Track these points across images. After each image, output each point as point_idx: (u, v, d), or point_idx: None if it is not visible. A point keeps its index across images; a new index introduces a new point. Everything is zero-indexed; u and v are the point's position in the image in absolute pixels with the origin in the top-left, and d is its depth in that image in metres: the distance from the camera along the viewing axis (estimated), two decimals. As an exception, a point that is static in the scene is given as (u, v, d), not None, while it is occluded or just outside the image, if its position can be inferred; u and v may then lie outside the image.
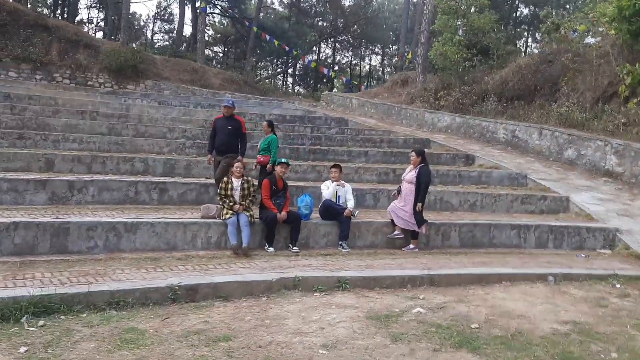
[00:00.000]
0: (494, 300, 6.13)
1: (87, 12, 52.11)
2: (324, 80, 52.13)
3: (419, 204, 8.73)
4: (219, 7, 48.76)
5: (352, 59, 58.62)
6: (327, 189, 8.86)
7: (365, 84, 47.92)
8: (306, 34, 54.44)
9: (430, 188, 11.63)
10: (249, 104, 23.97)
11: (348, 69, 57.25)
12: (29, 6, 27.31)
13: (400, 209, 8.86)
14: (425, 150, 16.64)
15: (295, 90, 53.02)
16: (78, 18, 48.82)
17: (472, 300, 6.09)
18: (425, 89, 23.55)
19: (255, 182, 8.63)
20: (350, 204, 8.71)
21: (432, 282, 6.74)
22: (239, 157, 9.20)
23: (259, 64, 55.72)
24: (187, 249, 7.65)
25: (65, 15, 42.99)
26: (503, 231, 9.56)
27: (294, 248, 8.11)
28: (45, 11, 46.43)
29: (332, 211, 8.61)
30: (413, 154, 9.24)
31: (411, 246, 8.82)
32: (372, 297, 6.02)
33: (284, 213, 8.16)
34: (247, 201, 8.27)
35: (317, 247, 8.51)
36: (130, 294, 5.30)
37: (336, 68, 58.04)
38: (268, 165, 9.77)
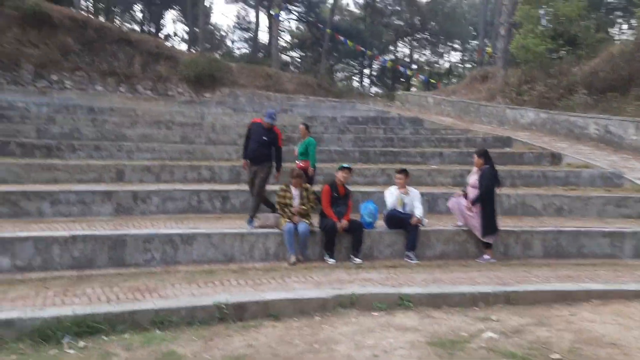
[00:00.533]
0: (581, 324, 5.33)
1: (173, 26, 53.64)
2: (402, 80, 51.06)
3: (471, 205, 8.09)
4: (295, 13, 49.16)
5: (431, 56, 57.06)
6: (391, 196, 8.29)
7: (444, 81, 46.42)
8: (382, 33, 53.69)
9: (511, 191, 10.84)
10: (322, 107, 23.74)
11: (427, 67, 55.84)
12: (115, 23, 28.59)
13: (466, 209, 8.21)
14: (507, 149, 15.87)
15: (373, 91, 52.40)
16: (164, 32, 51.17)
17: (554, 323, 5.32)
18: (507, 84, 22.23)
19: (316, 190, 8.22)
20: (418, 211, 8.08)
21: (508, 299, 6.01)
22: (276, 174, 8.90)
23: (335, 66, 55.58)
24: (244, 260, 7.38)
25: (153, 30, 45.01)
26: (594, 239, 8.55)
27: (356, 259, 7.62)
28: (135, 27, 48.94)
29: (396, 220, 8.03)
30: (475, 155, 8.55)
31: (486, 257, 8.06)
32: (437, 318, 5.41)
33: (344, 221, 7.70)
34: (306, 207, 7.90)
35: (381, 258, 7.97)
36: (175, 313, 5.04)
37: (414, 67, 56.92)
38: (309, 170, 9.61)
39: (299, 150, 9.99)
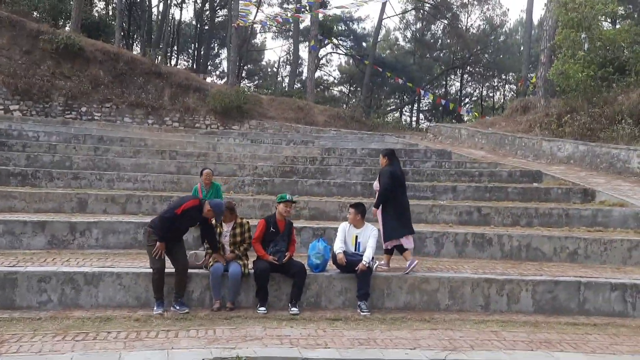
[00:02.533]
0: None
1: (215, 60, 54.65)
2: (454, 113, 49.28)
3: (373, 208, 7.58)
4: (342, 48, 48.88)
5: (482, 89, 55.15)
6: (341, 234, 6.98)
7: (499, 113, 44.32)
8: (431, 67, 52.45)
9: (515, 231, 9.30)
10: (348, 140, 22.63)
11: (479, 100, 53.93)
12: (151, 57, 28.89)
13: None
14: (535, 184, 14.15)
15: (422, 125, 50.86)
16: (213, 69, 52.14)
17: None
18: (547, 115, 20.39)
19: (252, 225, 7.04)
20: (367, 253, 6.71)
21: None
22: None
23: (386, 100, 54.50)
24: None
25: (195, 66, 45.74)
26: (600, 292, 6.90)
27: (292, 309, 6.35)
28: (184, 65, 50.07)
29: (346, 262, 6.72)
30: (380, 155, 8.03)
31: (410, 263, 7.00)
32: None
33: (272, 258, 6.51)
34: (242, 248, 6.75)
35: (330, 308, 6.67)
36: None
37: (467, 100, 55.03)
38: None
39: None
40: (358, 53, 47.68)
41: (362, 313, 6.41)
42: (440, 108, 45.17)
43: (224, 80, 41.68)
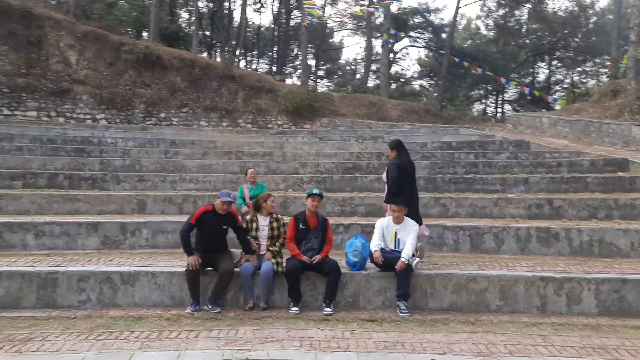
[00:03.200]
0: None
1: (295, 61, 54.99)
2: (543, 102, 46.49)
3: (385, 205, 7.37)
4: (419, 40, 47.76)
5: (573, 75, 51.71)
6: (379, 230, 6.59)
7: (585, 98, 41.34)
8: (517, 55, 49.87)
9: (588, 225, 8.45)
10: (420, 133, 21.91)
11: (570, 87, 50.62)
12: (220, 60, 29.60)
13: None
14: (620, 173, 12.91)
15: (507, 115, 48.57)
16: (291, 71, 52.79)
17: None
18: (638, 98, 18.66)
19: (287, 221, 6.82)
20: (406, 251, 6.28)
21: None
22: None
23: (460, 92, 52.57)
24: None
25: (275, 68, 46.49)
26: (677, 292, 6.05)
27: (326, 309, 6.07)
28: (265, 68, 51.10)
29: (384, 260, 6.33)
30: (388, 148, 7.79)
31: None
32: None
33: (317, 257, 6.26)
34: (278, 244, 6.56)
35: (369, 308, 6.32)
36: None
37: (557, 88, 51.86)
38: None
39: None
40: (437, 45, 46.37)
41: (400, 314, 6.01)
42: (528, 97, 42.91)
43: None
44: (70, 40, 24.93)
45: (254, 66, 51.12)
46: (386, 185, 7.42)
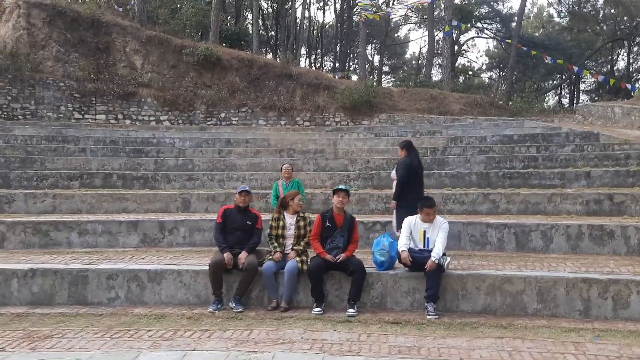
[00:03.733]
0: None
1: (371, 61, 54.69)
2: (621, 90, 43.57)
3: (393, 202, 7.38)
4: (487, 31, 46.18)
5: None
6: (407, 229, 6.28)
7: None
8: (593, 42, 47.09)
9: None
10: (482, 127, 21.04)
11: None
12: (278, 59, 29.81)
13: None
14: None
15: (581, 105, 46.02)
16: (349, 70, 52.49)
17: None
18: None
19: (313, 219, 6.63)
20: (437, 249, 5.95)
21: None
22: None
23: (528, 82, 50.26)
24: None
25: (338, 65, 46.43)
26: None
27: (349, 310, 5.85)
28: (328, 67, 51.17)
29: (413, 260, 6.02)
30: (399, 148, 7.96)
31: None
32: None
33: (341, 255, 6.08)
34: (302, 243, 6.42)
35: (397, 310, 6.04)
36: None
37: (639, 76, 48.54)
38: None
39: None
40: (505, 35, 44.61)
41: (427, 316, 5.71)
42: (607, 87, 40.36)
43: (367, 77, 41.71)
44: (135, 45, 25.89)
45: (317, 65, 51.39)
46: (394, 183, 7.44)
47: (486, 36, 47.07)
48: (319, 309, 5.91)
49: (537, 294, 5.82)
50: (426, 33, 39.62)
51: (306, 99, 26.39)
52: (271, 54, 42.02)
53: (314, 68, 48.28)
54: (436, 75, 45.91)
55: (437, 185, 11.81)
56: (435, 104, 26.63)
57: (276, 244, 6.41)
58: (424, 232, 6.20)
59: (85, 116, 24.47)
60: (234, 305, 6.05)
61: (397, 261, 6.25)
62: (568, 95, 51.19)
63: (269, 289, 6.17)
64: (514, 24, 44.38)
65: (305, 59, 53.17)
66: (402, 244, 6.11)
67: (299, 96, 26.66)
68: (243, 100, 26.02)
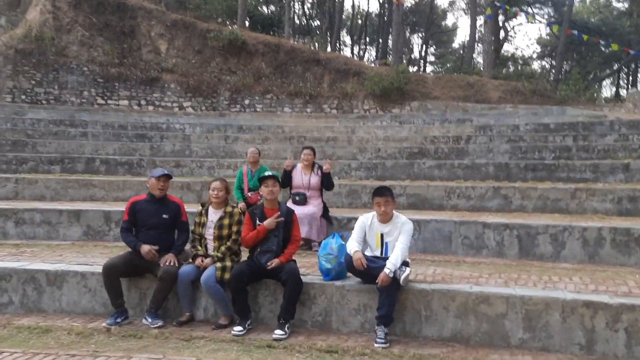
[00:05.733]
0: None
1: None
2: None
3: None
4: (538, 16, 43.33)
5: None
6: (360, 230, 4.90)
7: None
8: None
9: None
10: (518, 115, 19.15)
11: None
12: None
13: None
14: None
15: (632, 91, 42.62)
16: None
17: None
18: None
19: (243, 217, 5.33)
20: (394, 258, 4.56)
21: None
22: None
23: (599, 72, 46.88)
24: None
25: (381, 53, 44.70)
26: None
27: (277, 331, 4.56)
28: (371, 54, 49.49)
29: (364, 270, 4.66)
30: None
31: None
32: None
33: (276, 261, 4.81)
34: (223, 248, 5.12)
35: (344, 332, 4.73)
36: None
37: None
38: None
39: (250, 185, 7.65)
40: (559, 21, 41.73)
41: (375, 344, 4.37)
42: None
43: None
44: (160, 29, 25.22)
45: (361, 55, 49.84)
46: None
47: (536, 22, 44.16)
48: (240, 327, 4.64)
49: (524, 320, 4.38)
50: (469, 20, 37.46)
51: (334, 85, 25.05)
52: (304, 39, 40.78)
53: (362, 58, 46.88)
54: (470, 61, 43.60)
55: (448, 177, 10.34)
56: (472, 92, 24.77)
57: (199, 247, 5.18)
58: (382, 235, 4.82)
59: (108, 102, 23.95)
60: (150, 320, 4.87)
61: (348, 269, 4.91)
62: (626, 85, 47.76)
63: (181, 298, 4.97)
64: (564, 9, 41.56)
65: (348, 48, 51.72)
66: (353, 247, 4.77)
67: (326, 83, 25.35)
68: (268, 86, 24.89)
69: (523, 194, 8.20)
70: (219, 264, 4.92)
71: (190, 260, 5.11)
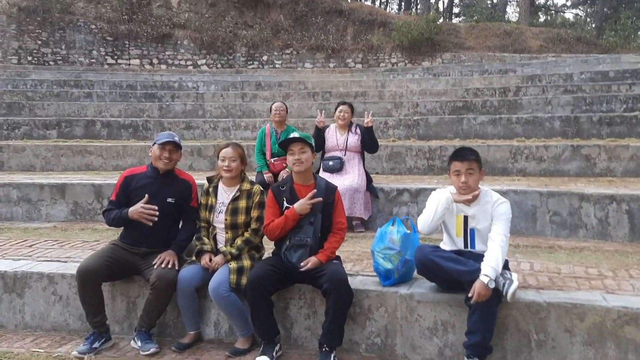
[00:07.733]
0: None
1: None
2: None
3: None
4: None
5: None
6: (434, 212, 3.38)
7: None
8: None
9: None
10: (566, 64, 17.22)
11: None
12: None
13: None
14: None
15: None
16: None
17: None
18: None
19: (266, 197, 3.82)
20: (490, 259, 3.07)
21: None
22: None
23: (627, 14, 43.73)
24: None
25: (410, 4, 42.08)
26: None
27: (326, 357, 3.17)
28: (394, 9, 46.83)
29: (440, 274, 3.19)
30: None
31: None
32: None
33: (311, 261, 3.34)
34: (239, 240, 3.64)
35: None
36: None
37: None
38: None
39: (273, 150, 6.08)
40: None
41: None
42: None
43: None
44: (171, -20, 23.53)
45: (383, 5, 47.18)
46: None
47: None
48: (264, 357, 3.24)
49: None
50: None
51: (358, 38, 23.16)
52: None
53: (385, 6, 44.32)
54: (512, 15, 40.60)
55: (506, 135, 8.74)
56: (510, 41, 22.67)
57: (205, 239, 3.73)
58: (465, 218, 3.32)
59: (119, 61, 22.48)
60: (139, 344, 3.48)
61: (420, 271, 3.43)
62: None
63: (183, 312, 3.56)
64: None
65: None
66: (423, 223, 3.28)
67: (350, 35, 23.47)
68: (287, 40, 23.12)
69: (611, 153, 6.59)
70: (233, 264, 3.47)
71: (194, 259, 3.68)
